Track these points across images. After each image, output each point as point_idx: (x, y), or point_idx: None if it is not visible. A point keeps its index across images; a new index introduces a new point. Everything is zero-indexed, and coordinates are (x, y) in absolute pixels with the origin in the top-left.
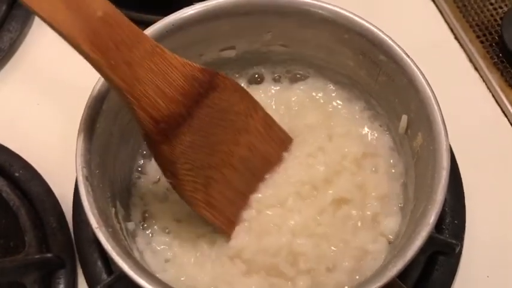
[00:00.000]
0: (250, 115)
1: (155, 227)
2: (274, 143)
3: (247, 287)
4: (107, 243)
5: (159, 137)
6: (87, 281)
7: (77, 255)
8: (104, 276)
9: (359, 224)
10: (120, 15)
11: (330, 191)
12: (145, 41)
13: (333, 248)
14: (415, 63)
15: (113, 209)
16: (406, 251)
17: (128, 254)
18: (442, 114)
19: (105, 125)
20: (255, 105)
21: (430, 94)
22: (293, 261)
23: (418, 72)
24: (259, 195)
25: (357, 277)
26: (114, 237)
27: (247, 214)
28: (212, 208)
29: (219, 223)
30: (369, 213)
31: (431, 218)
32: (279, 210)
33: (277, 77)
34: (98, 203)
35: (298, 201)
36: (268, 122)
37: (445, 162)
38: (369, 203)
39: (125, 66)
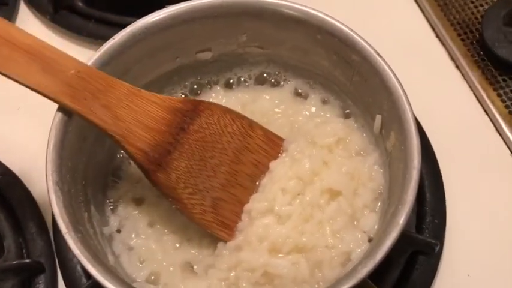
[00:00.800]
0: (247, 135)
1: (131, 230)
2: (275, 151)
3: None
4: (76, 248)
5: (153, 166)
6: (66, 286)
7: (57, 260)
8: (84, 280)
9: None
10: (92, 69)
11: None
12: (119, 85)
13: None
14: (387, 64)
15: (86, 214)
16: (376, 252)
17: (98, 259)
18: (413, 114)
19: (77, 130)
20: (250, 125)
21: (402, 94)
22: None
23: (390, 72)
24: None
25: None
26: (84, 242)
27: (243, 224)
28: (225, 227)
29: (232, 238)
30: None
31: (402, 218)
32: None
33: (254, 79)
34: (68, 208)
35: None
36: (269, 136)
37: (416, 162)
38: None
39: (104, 109)
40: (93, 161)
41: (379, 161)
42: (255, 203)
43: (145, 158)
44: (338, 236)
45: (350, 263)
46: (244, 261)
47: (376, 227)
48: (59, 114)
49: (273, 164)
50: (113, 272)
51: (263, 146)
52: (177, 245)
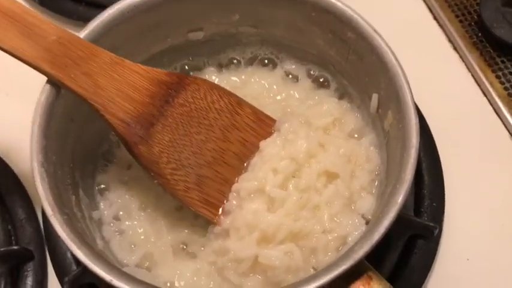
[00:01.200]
0: (235, 112)
1: (122, 214)
2: (265, 131)
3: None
4: (61, 231)
5: (134, 138)
6: (56, 273)
7: (46, 247)
8: (74, 267)
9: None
10: (74, 36)
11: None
12: (102, 54)
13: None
14: (383, 40)
15: (73, 197)
16: (373, 232)
17: (85, 242)
18: (411, 92)
19: (64, 110)
20: (239, 102)
21: (399, 70)
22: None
23: (387, 49)
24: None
25: (326, 259)
26: (71, 224)
27: (231, 205)
28: (210, 205)
29: (217, 219)
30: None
31: (400, 197)
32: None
33: (247, 60)
34: (53, 190)
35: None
36: (258, 115)
37: (414, 140)
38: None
39: (85, 77)
40: (82, 143)
41: (376, 142)
42: (244, 182)
43: (127, 130)
44: (336, 220)
45: (345, 246)
46: (230, 250)
47: (373, 209)
48: (45, 93)
49: (263, 144)
50: (101, 256)
51: (251, 125)
52: (170, 228)
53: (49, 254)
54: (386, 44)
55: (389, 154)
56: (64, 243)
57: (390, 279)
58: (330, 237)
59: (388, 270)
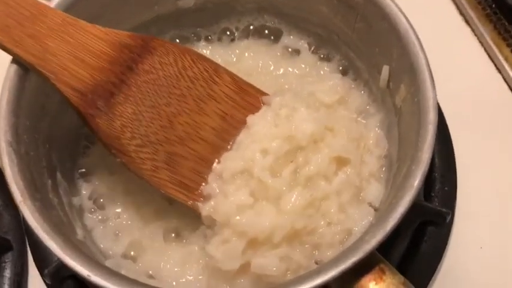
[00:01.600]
0: (212, 80)
1: (106, 201)
2: (251, 104)
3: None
4: (32, 219)
5: (91, 110)
6: (36, 265)
7: (26, 237)
8: (55, 258)
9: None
10: None
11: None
12: (52, 13)
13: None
14: (396, 4)
15: (49, 181)
16: (386, 220)
17: (60, 232)
18: (427, 61)
19: (37, 85)
20: (216, 69)
21: (414, 38)
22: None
23: (400, 14)
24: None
25: (329, 253)
26: (43, 212)
27: (211, 188)
28: (184, 187)
29: (193, 203)
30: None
31: (416, 180)
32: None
33: (243, 31)
34: (24, 173)
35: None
36: (241, 85)
37: (431, 115)
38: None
39: (31, 40)
40: (60, 122)
41: (383, 122)
42: (228, 162)
43: (82, 100)
44: (343, 212)
45: (351, 237)
46: (213, 257)
47: (381, 196)
48: (14, 66)
49: (251, 119)
50: (78, 248)
51: (232, 96)
52: (158, 214)
53: (29, 244)
54: (399, 9)
55: (402, 133)
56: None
57: (398, 270)
58: (335, 231)
59: (396, 260)
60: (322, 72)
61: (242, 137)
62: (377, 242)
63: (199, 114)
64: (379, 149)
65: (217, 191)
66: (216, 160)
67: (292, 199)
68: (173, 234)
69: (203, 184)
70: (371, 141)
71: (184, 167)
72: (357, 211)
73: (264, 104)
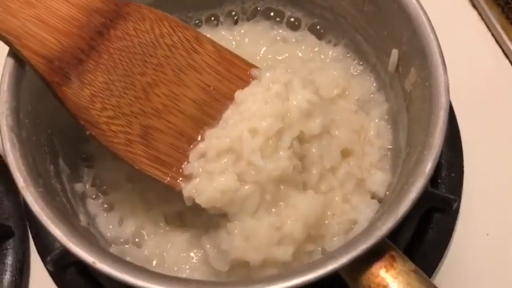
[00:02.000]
0: (193, 49)
1: (109, 186)
2: (239, 78)
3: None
4: (35, 204)
5: (57, 77)
6: (38, 251)
7: (27, 223)
8: (57, 245)
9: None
10: None
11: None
12: None
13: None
14: None
15: (52, 167)
16: (398, 206)
17: (63, 218)
18: (439, 44)
19: None
20: (197, 37)
21: (425, 21)
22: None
23: None
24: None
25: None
26: (47, 198)
27: (193, 167)
28: (160, 164)
29: (170, 179)
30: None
31: (428, 166)
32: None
33: (247, 13)
34: (26, 159)
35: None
36: (225, 55)
37: (443, 99)
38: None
39: None
40: (63, 110)
41: (391, 109)
42: (213, 140)
43: (48, 67)
44: (347, 202)
45: (357, 225)
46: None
47: (386, 184)
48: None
49: (239, 95)
50: (82, 234)
51: (215, 66)
52: (160, 198)
53: (30, 230)
54: None
55: (412, 118)
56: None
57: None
58: (339, 221)
59: (402, 247)
60: (327, 59)
61: (230, 113)
62: (388, 229)
63: (178, 85)
64: (381, 140)
65: (200, 170)
66: (200, 137)
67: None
68: (176, 220)
69: (185, 162)
70: (372, 133)
71: (161, 142)
72: (360, 200)
73: (253, 78)
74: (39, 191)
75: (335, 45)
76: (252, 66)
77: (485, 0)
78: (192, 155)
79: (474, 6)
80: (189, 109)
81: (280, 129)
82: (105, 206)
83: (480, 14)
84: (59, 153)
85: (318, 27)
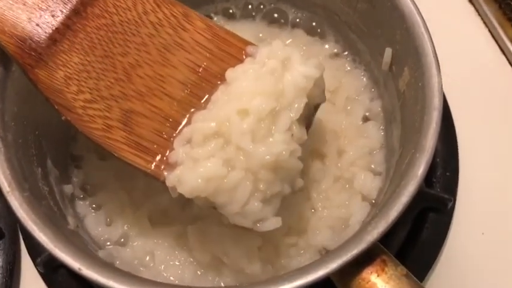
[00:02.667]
0: (181, 27)
1: (97, 186)
2: (232, 57)
3: None
4: (20, 210)
5: (30, 59)
6: (29, 253)
7: (18, 224)
8: None
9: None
10: None
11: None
12: None
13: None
14: None
15: (39, 169)
16: (389, 210)
17: (49, 223)
18: (433, 44)
19: None
20: (186, 14)
21: (419, 20)
22: None
23: None
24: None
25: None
26: (32, 203)
27: (177, 154)
28: (143, 151)
29: (154, 168)
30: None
31: (420, 169)
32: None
33: (240, 9)
34: (11, 162)
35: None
36: (217, 32)
37: (436, 101)
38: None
39: None
40: (51, 109)
41: (383, 109)
42: (198, 123)
43: (18, 47)
44: (328, 198)
45: (348, 228)
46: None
47: (377, 187)
48: None
49: (230, 74)
50: (69, 239)
51: (205, 45)
52: (147, 196)
53: (21, 231)
54: None
55: (405, 118)
56: None
57: (399, 257)
58: (321, 216)
59: (396, 247)
60: (319, 56)
61: (219, 94)
62: (379, 234)
63: (163, 66)
64: (367, 140)
65: (185, 157)
66: (186, 121)
67: None
68: (164, 218)
69: (169, 149)
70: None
71: (144, 127)
72: (346, 201)
73: (247, 55)
74: (24, 195)
75: (328, 42)
76: (248, 43)
77: None
78: (177, 140)
79: (471, 1)
80: (175, 91)
81: (275, 110)
82: (94, 206)
83: (477, 10)
84: (47, 155)
85: (311, 24)
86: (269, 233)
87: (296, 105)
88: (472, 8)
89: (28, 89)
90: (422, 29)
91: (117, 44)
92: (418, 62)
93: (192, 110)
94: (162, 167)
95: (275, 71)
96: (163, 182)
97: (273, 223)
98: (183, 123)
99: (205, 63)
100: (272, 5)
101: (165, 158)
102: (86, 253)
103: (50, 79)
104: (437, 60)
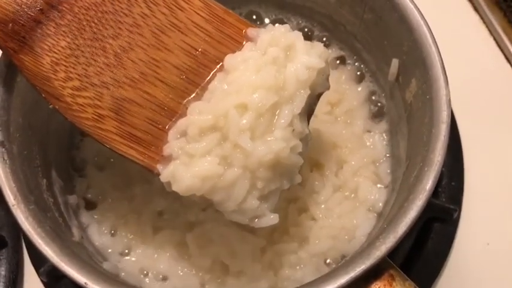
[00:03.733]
0: (177, 5)
1: (99, 196)
2: (232, 40)
3: None
4: (26, 223)
5: (12, 42)
6: (32, 262)
7: (21, 232)
8: None
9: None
10: None
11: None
12: None
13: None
14: None
15: (44, 180)
16: (397, 225)
17: (55, 236)
18: (440, 57)
19: None
20: None
21: (426, 32)
22: None
23: (412, 6)
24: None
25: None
26: (38, 216)
27: (171, 147)
28: (137, 142)
29: (147, 160)
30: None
31: (429, 183)
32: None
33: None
34: (17, 175)
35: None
36: (216, 12)
37: (444, 115)
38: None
39: None
40: (56, 117)
41: (390, 119)
42: (195, 115)
43: (0, 31)
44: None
45: (355, 240)
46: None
47: (383, 199)
48: (4, 61)
49: (229, 61)
50: (74, 253)
51: (203, 26)
52: (146, 201)
53: (24, 240)
54: (412, 0)
55: (412, 130)
56: None
57: (404, 267)
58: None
59: (401, 258)
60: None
61: (217, 83)
62: (387, 249)
63: (158, 50)
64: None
65: (180, 152)
66: (182, 110)
67: None
68: (163, 224)
69: (165, 140)
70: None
71: (137, 116)
72: (348, 211)
73: (248, 39)
74: (30, 208)
75: (333, 51)
76: (248, 25)
77: (487, 4)
78: (172, 132)
79: (476, 9)
80: (170, 77)
81: (276, 104)
82: (95, 217)
83: (482, 18)
84: (52, 164)
85: (316, 33)
86: (270, 238)
87: (298, 99)
88: (477, 17)
89: (33, 98)
90: (430, 41)
91: (108, 26)
92: (426, 74)
93: (188, 98)
94: (157, 159)
95: (276, 60)
96: (158, 175)
97: (270, 220)
98: (179, 112)
99: (202, 47)
100: (276, 14)
101: (159, 149)
102: (92, 266)
103: (36, 65)
104: (445, 73)
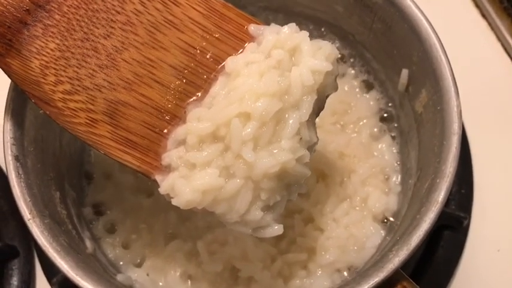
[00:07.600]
0: (172, 1)
1: (111, 208)
2: (233, 37)
3: None
4: (42, 238)
5: None
6: (44, 272)
7: (33, 243)
8: None
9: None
10: None
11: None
12: None
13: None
14: (417, 6)
15: (58, 193)
16: (410, 237)
17: (70, 250)
18: (451, 68)
19: None
20: None
21: (436, 43)
22: None
23: (421, 16)
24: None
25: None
26: (53, 229)
27: (170, 156)
28: (132, 147)
29: (144, 166)
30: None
31: (441, 195)
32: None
33: None
34: (32, 189)
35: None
36: (215, 7)
37: (455, 126)
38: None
39: None
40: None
41: (399, 129)
42: (195, 122)
43: None
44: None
45: (364, 251)
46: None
47: (394, 209)
48: None
49: (232, 64)
50: (89, 265)
51: (201, 22)
52: (154, 214)
53: (36, 250)
54: (421, 11)
55: (422, 141)
56: None
57: (414, 276)
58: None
59: (412, 266)
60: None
61: (218, 88)
62: (400, 262)
63: (153, 49)
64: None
65: (179, 162)
66: (182, 114)
67: None
68: (174, 237)
69: (163, 144)
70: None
71: (133, 120)
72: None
73: (251, 37)
74: (45, 222)
75: (342, 61)
76: (250, 20)
77: (494, 10)
78: (171, 140)
79: (483, 15)
80: (168, 78)
81: (280, 111)
82: (108, 227)
83: (490, 24)
84: (65, 177)
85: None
86: (278, 246)
87: (304, 105)
88: (485, 22)
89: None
90: (440, 52)
91: (99, 25)
92: (436, 85)
93: (188, 100)
94: (155, 165)
95: (281, 64)
96: (155, 181)
97: (274, 230)
98: (178, 116)
99: (200, 45)
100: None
101: (157, 155)
102: (106, 280)
103: (24, 69)
104: (456, 85)
